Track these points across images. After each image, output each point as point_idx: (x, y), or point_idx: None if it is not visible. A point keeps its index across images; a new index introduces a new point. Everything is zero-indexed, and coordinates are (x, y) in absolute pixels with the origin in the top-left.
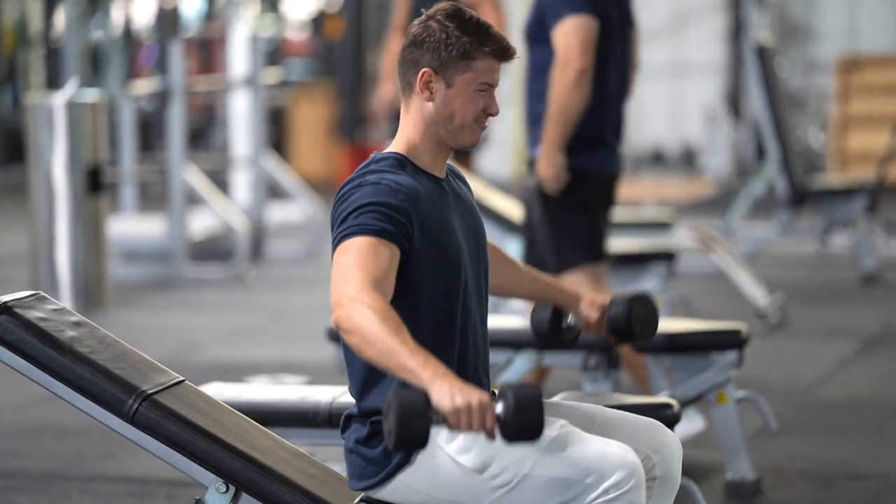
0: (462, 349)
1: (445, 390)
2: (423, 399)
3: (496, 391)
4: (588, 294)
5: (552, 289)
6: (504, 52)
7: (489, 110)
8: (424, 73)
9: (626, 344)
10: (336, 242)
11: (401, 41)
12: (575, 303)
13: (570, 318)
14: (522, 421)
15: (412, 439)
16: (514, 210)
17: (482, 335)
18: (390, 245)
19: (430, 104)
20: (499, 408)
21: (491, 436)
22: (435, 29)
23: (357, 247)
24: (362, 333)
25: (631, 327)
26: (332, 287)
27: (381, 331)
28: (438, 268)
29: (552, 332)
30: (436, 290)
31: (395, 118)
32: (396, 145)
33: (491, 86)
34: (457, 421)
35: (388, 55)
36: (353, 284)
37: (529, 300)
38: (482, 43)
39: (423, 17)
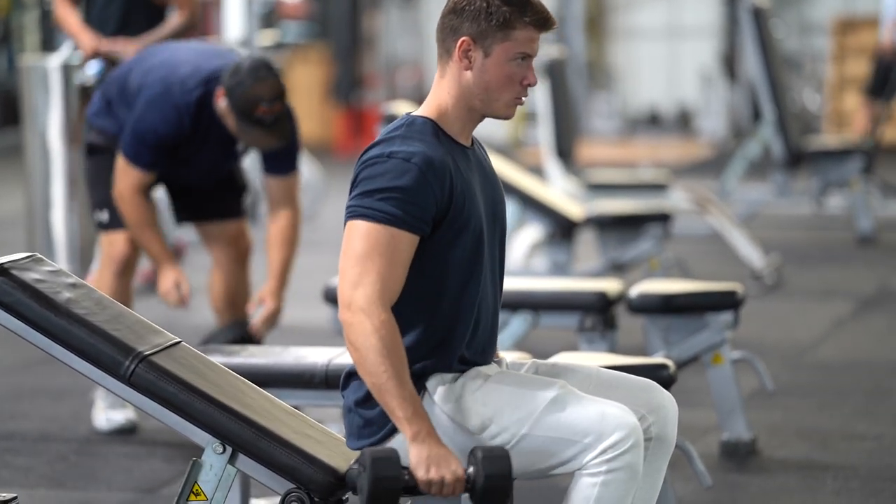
0: (476, 320)
1: (423, 458)
2: (397, 465)
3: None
4: None
5: None
6: (544, 22)
7: (527, 81)
8: (463, 41)
9: None
10: (353, 213)
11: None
12: None
13: None
14: (491, 494)
15: (382, 501)
16: (512, 173)
17: (494, 305)
18: (408, 235)
19: (467, 73)
20: (470, 470)
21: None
22: None
23: (374, 238)
24: (363, 357)
25: None
26: (340, 270)
27: (381, 365)
28: (462, 239)
29: None
30: (458, 259)
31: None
32: (427, 109)
33: (529, 55)
34: (427, 489)
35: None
36: (364, 290)
37: None
38: (523, 12)
39: None
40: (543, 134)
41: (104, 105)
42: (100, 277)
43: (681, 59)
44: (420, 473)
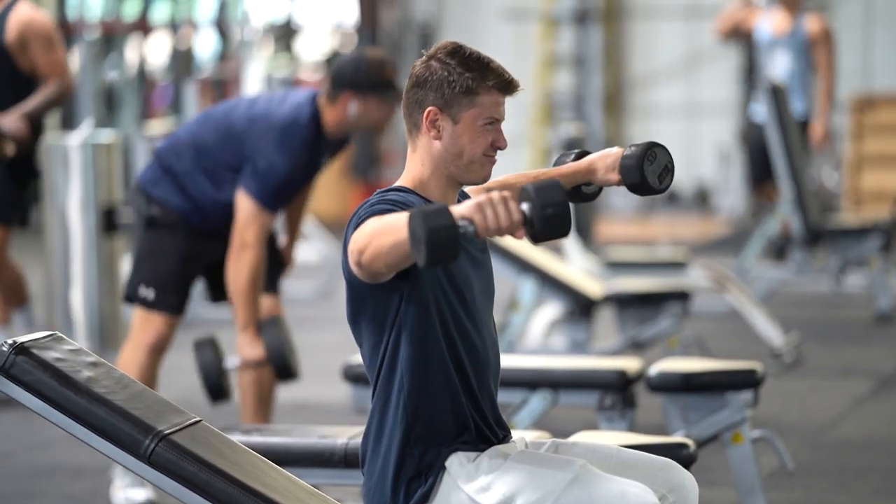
0: (482, 383)
1: (465, 203)
2: (444, 207)
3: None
4: (599, 162)
5: (567, 175)
6: (507, 86)
7: (497, 144)
8: (430, 111)
9: (649, 195)
10: (348, 243)
11: None
12: (592, 176)
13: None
14: (548, 213)
15: (441, 242)
16: (531, 250)
17: (494, 354)
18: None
19: (437, 142)
20: (523, 206)
21: (518, 230)
22: (437, 68)
23: (369, 222)
24: (371, 234)
25: (649, 184)
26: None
27: (383, 219)
28: (446, 290)
29: (574, 193)
30: (445, 311)
31: None
32: (403, 181)
33: (497, 120)
34: (482, 218)
35: None
36: (364, 227)
37: None
38: (484, 77)
39: (423, 57)
40: None
41: (161, 173)
42: (131, 354)
43: (699, 136)
44: (467, 205)
